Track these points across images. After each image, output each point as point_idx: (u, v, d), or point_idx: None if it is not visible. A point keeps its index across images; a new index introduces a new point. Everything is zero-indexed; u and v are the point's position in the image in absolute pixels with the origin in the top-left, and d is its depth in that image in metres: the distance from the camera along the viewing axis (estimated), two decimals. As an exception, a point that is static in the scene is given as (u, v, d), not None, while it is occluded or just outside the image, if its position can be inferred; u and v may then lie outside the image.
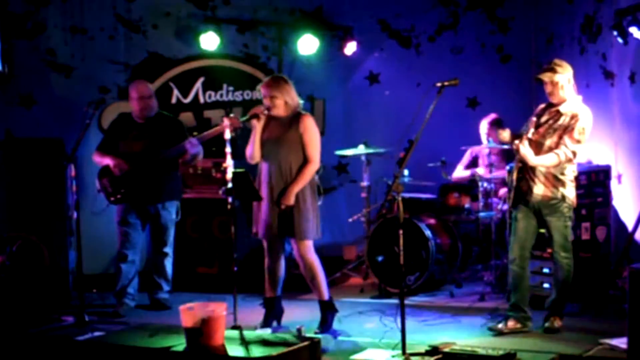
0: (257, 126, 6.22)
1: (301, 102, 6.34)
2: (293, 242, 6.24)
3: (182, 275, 7.95)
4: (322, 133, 8.84)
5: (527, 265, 6.22)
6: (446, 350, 5.57)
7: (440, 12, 8.85)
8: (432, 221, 7.78)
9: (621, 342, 5.44)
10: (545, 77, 6.06)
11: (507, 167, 6.39)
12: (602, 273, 6.99)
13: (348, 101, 8.99)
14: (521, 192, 6.15)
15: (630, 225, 6.83)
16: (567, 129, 6.01)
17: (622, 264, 6.54)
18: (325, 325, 6.29)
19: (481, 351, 5.45)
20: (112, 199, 7.10)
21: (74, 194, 6.52)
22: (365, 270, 7.85)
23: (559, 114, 6.08)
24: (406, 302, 5.63)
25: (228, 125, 6.10)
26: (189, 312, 5.15)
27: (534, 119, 6.17)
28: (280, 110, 6.19)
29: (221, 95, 8.76)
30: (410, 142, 5.62)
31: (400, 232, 5.53)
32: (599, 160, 7.37)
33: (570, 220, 6.18)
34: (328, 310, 6.33)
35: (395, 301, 6.77)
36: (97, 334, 5.91)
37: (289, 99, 6.19)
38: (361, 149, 7.94)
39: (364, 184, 8.03)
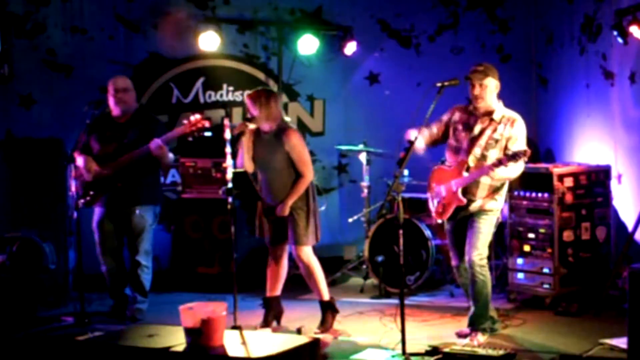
0: (244, 140, 6.26)
1: (288, 118, 6.37)
2: (292, 246, 6.30)
3: (182, 275, 7.95)
4: (322, 133, 8.95)
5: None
6: (446, 350, 5.57)
7: (440, 12, 8.85)
8: (432, 221, 7.77)
9: (621, 342, 5.45)
10: (476, 79, 5.90)
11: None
12: (602, 273, 6.99)
13: (348, 101, 8.99)
14: (458, 208, 5.99)
15: (630, 225, 6.83)
16: (511, 139, 5.87)
17: (622, 264, 6.55)
18: (325, 325, 6.30)
19: (481, 351, 5.46)
20: (81, 201, 6.74)
21: (75, 194, 6.51)
22: (365, 270, 7.84)
23: (494, 122, 5.92)
24: (406, 302, 5.64)
25: (228, 125, 6.11)
26: (189, 312, 5.14)
27: (460, 128, 6.01)
28: (262, 124, 6.24)
29: (221, 95, 8.75)
30: (410, 142, 5.63)
31: (400, 232, 5.53)
32: (599, 160, 7.36)
33: (493, 228, 5.99)
34: (328, 310, 6.34)
35: (395, 301, 6.77)
36: (97, 334, 5.90)
37: (270, 114, 6.21)
38: (361, 149, 7.95)
39: (364, 184, 8.03)
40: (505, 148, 5.88)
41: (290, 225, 6.25)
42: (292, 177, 6.25)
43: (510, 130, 5.89)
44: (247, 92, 6.35)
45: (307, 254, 6.29)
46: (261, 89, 6.39)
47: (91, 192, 6.78)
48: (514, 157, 5.68)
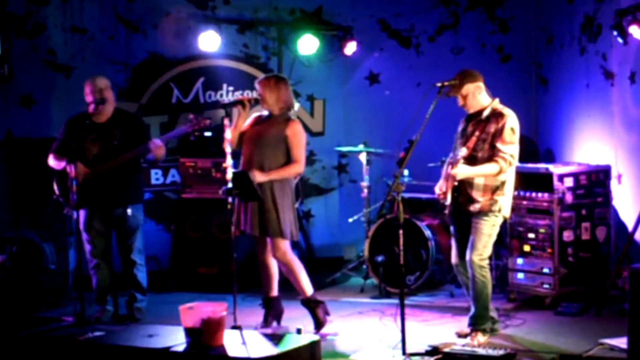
0: (242, 113, 6.25)
1: (296, 107, 6.38)
2: (269, 241, 6.25)
3: (182, 275, 7.95)
4: (322, 133, 8.95)
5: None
6: (446, 350, 5.57)
7: (440, 12, 8.85)
8: (432, 221, 7.78)
9: (621, 342, 5.45)
10: (455, 93, 5.93)
11: (436, 189, 6.20)
12: (602, 273, 6.99)
13: (348, 101, 8.99)
14: (459, 208, 6.00)
15: (630, 225, 6.83)
16: (496, 135, 5.86)
17: (622, 264, 6.55)
18: (319, 322, 6.29)
19: (481, 351, 5.46)
20: (70, 204, 6.64)
21: (74, 194, 6.51)
22: (365, 270, 7.85)
23: (482, 122, 5.94)
24: (406, 302, 5.64)
25: (228, 125, 6.12)
26: (189, 312, 5.15)
27: (458, 136, 6.10)
28: (271, 107, 6.28)
29: (221, 95, 8.75)
30: (410, 142, 5.63)
31: (400, 232, 5.53)
32: (599, 160, 7.36)
33: (495, 230, 5.98)
34: (313, 305, 6.33)
35: (395, 301, 6.77)
36: (97, 334, 5.91)
37: (279, 97, 6.26)
38: (361, 149, 7.96)
39: (364, 184, 8.03)
40: (491, 145, 5.88)
41: (269, 218, 6.18)
42: (279, 163, 6.20)
43: (496, 126, 5.89)
44: (265, 75, 6.48)
45: (285, 249, 6.23)
46: (271, 74, 6.57)
47: (84, 194, 6.67)
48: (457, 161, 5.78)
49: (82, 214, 6.79)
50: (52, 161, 6.82)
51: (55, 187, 6.82)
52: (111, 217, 6.83)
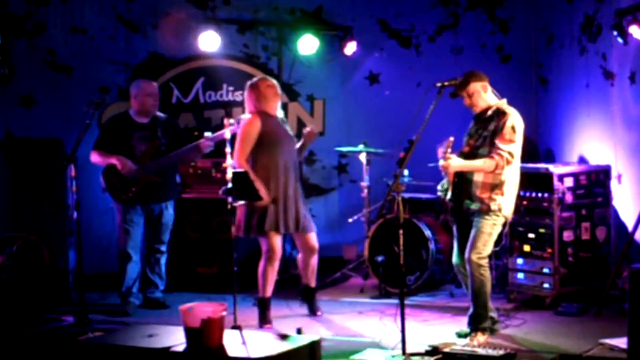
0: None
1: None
2: (310, 235, 6.59)
3: (182, 275, 7.95)
4: (322, 133, 8.94)
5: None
6: (446, 350, 5.57)
7: (440, 12, 8.85)
8: (432, 221, 7.78)
9: (621, 342, 5.45)
10: (461, 91, 5.95)
11: (439, 186, 6.23)
12: (602, 273, 7.00)
13: (348, 101, 8.99)
14: (459, 207, 6.00)
15: (630, 225, 6.83)
16: (496, 132, 5.86)
17: (622, 264, 6.55)
18: (314, 310, 6.65)
19: (481, 351, 5.46)
20: (123, 197, 7.08)
21: (74, 194, 6.51)
22: (365, 270, 7.85)
23: (485, 120, 5.95)
24: (406, 302, 5.64)
25: (228, 124, 6.14)
26: (189, 312, 5.15)
27: (466, 136, 6.13)
28: (276, 109, 6.64)
29: (221, 95, 8.75)
30: (410, 142, 5.63)
31: (400, 232, 5.54)
32: (599, 160, 7.37)
33: (496, 229, 5.95)
34: (314, 294, 6.67)
35: (395, 301, 6.77)
36: (97, 334, 5.91)
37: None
38: (361, 149, 7.96)
39: (364, 184, 8.03)
40: (491, 143, 5.88)
41: (303, 213, 6.56)
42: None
43: (497, 124, 5.90)
44: (268, 78, 6.75)
45: None
46: (272, 78, 6.80)
47: (133, 189, 7.05)
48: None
49: (121, 206, 7.16)
50: (95, 158, 7.19)
51: (102, 181, 7.18)
52: (150, 211, 7.24)
